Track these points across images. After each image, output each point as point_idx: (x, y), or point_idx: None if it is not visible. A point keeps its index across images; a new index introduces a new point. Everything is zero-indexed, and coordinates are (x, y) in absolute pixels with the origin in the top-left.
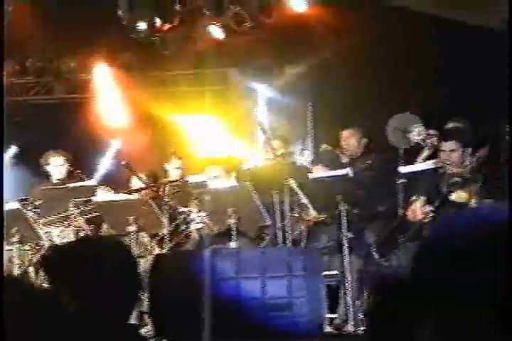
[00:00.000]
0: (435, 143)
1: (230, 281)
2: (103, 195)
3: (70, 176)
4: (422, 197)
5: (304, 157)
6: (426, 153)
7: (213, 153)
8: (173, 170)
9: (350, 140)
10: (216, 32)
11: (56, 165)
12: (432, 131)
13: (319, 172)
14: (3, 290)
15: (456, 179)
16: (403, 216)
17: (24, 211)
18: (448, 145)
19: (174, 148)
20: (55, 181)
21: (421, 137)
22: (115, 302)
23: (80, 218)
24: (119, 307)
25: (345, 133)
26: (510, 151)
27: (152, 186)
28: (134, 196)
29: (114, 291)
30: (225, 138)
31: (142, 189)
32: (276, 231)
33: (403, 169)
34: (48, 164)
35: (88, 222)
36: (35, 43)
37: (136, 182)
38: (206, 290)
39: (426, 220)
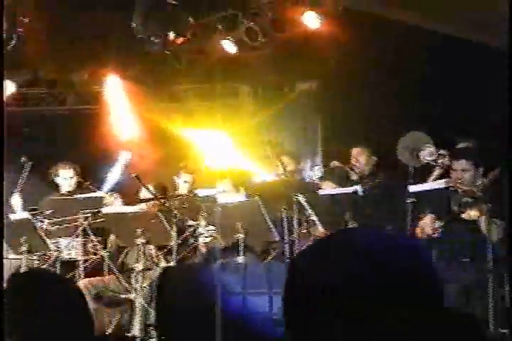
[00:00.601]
0: (447, 163)
1: (236, 296)
2: (112, 207)
3: (80, 187)
4: (432, 215)
5: (313, 173)
6: (436, 172)
7: (223, 167)
8: (182, 184)
9: (360, 157)
10: (229, 46)
11: (65, 178)
12: (443, 151)
13: (328, 188)
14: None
15: (468, 199)
16: (411, 232)
17: (33, 221)
18: (460, 165)
19: (185, 162)
20: (64, 192)
21: (432, 157)
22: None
23: (88, 229)
24: None
25: (354, 151)
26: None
27: (160, 198)
28: (143, 208)
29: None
30: (234, 153)
31: (150, 199)
32: (284, 246)
33: (413, 188)
34: (57, 175)
35: (96, 233)
36: (48, 54)
37: (144, 194)
38: (217, 304)
39: (434, 236)
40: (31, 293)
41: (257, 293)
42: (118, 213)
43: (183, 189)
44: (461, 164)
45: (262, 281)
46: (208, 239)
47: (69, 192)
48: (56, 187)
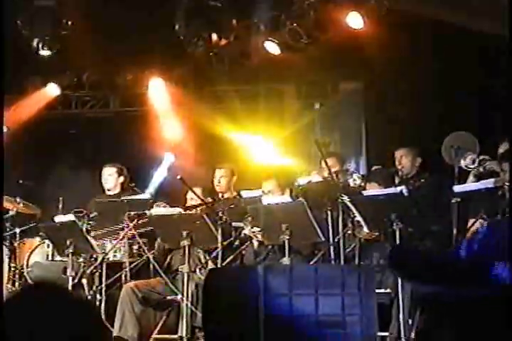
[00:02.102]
0: (493, 167)
1: (282, 297)
2: (157, 209)
3: (125, 189)
4: (482, 220)
5: (354, 179)
6: (472, 177)
7: (268, 168)
8: (221, 185)
9: (405, 159)
10: (272, 48)
11: (109, 174)
12: (485, 157)
13: (373, 190)
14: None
15: None
16: (457, 236)
17: (79, 223)
18: (509, 166)
19: (230, 165)
20: (109, 193)
21: (475, 165)
22: None
23: (134, 232)
24: None
25: (398, 153)
26: None
27: (209, 202)
28: (188, 210)
29: None
30: (279, 154)
31: (200, 205)
32: (329, 247)
33: (458, 188)
34: (101, 176)
35: (142, 235)
36: (92, 57)
37: (192, 196)
38: (260, 307)
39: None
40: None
41: (303, 295)
42: (163, 215)
43: (221, 187)
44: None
45: (308, 283)
46: (253, 241)
47: (114, 194)
48: (102, 189)
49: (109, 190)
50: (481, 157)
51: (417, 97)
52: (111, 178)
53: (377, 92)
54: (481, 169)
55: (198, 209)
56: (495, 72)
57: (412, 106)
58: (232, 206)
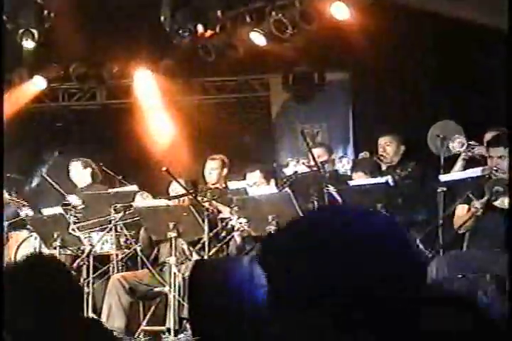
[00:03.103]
0: (479, 152)
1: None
2: (143, 201)
3: (95, 181)
4: (465, 205)
5: (343, 164)
6: (460, 163)
7: (253, 159)
8: (209, 173)
9: (388, 147)
10: (257, 38)
11: (78, 172)
12: (473, 142)
13: (360, 179)
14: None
15: (499, 188)
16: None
17: (66, 215)
18: (497, 152)
19: (221, 157)
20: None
21: (463, 148)
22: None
23: (120, 223)
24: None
25: (382, 140)
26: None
27: (192, 192)
28: (174, 202)
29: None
30: (266, 145)
31: (182, 195)
32: None
33: (444, 177)
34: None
35: (128, 227)
36: (78, 49)
37: (174, 188)
38: (246, 297)
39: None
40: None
41: None
42: (150, 207)
43: (211, 179)
44: (499, 151)
45: None
46: (239, 232)
47: (83, 187)
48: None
49: (78, 185)
50: (471, 142)
51: (404, 86)
52: (79, 172)
53: (364, 82)
54: (469, 153)
55: (181, 199)
56: (483, 58)
57: (399, 95)
58: (215, 197)
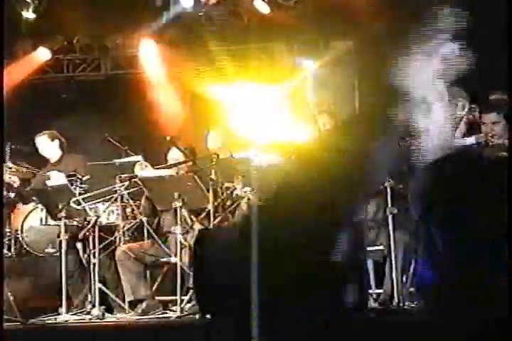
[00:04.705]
0: (477, 116)
1: None
2: (148, 171)
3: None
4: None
5: None
6: (462, 127)
7: (258, 128)
8: (214, 144)
9: None
10: (262, 6)
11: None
12: (474, 106)
13: None
14: None
15: (499, 153)
16: None
17: (71, 186)
18: (490, 117)
19: (223, 125)
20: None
21: (464, 111)
22: None
23: (126, 194)
24: None
25: None
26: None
27: (189, 160)
28: (180, 172)
29: None
30: (271, 113)
31: (180, 163)
32: None
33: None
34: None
35: (134, 197)
36: (83, 20)
37: (172, 156)
38: (253, 268)
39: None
40: None
41: None
42: (154, 177)
43: (213, 146)
44: (492, 117)
45: None
46: (244, 201)
47: (55, 162)
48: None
49: (50, 159)
50: (471, 105)
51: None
52: (47, 146)
53: (369, 50)
54: (471, 116)
55: (182, 166)
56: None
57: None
58: (213, 164)
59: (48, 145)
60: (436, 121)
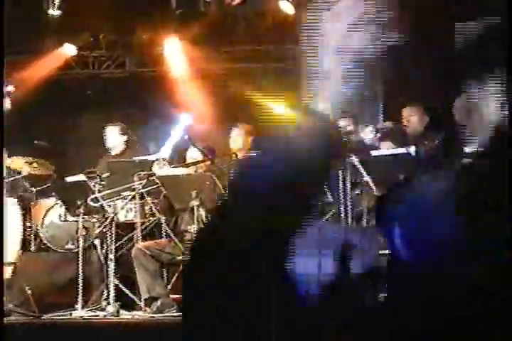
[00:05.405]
0: None
1: None
2: (166, 169)
3: (129, 147)
4: None
5: (370, 128)
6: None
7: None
8: (234, 139)
9: (412, 117)
10: (286, 7)
11: (112, 137)
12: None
13: (385, 148)
14: None
15: None
16: None
17: (90, 183)
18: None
19: (247, 124)
20: (113, 153)
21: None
22: None
23: (144, 191)
24: None
25: (405, 111)
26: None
27: (208, 159)
28: (198, 171)
29: None
30: (292, 116)
31: (198, 162)
32: (339, 208)
33: (469, 149)
34: (105, 136)
35: (152, 195)
36: (107, 16)
37: (191, 155)
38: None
39: None
40: None
41: (306, 254)
42: (172, 175)
43: (236, 145)
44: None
45: (312, 242)
46: None
47: (116, 154)
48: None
49: (111, 150)
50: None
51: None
52: (113, 137)
53: (393, 47)
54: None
55: (201, 165)
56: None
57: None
58: (231, 163)
59: (115, 138)
60: None
